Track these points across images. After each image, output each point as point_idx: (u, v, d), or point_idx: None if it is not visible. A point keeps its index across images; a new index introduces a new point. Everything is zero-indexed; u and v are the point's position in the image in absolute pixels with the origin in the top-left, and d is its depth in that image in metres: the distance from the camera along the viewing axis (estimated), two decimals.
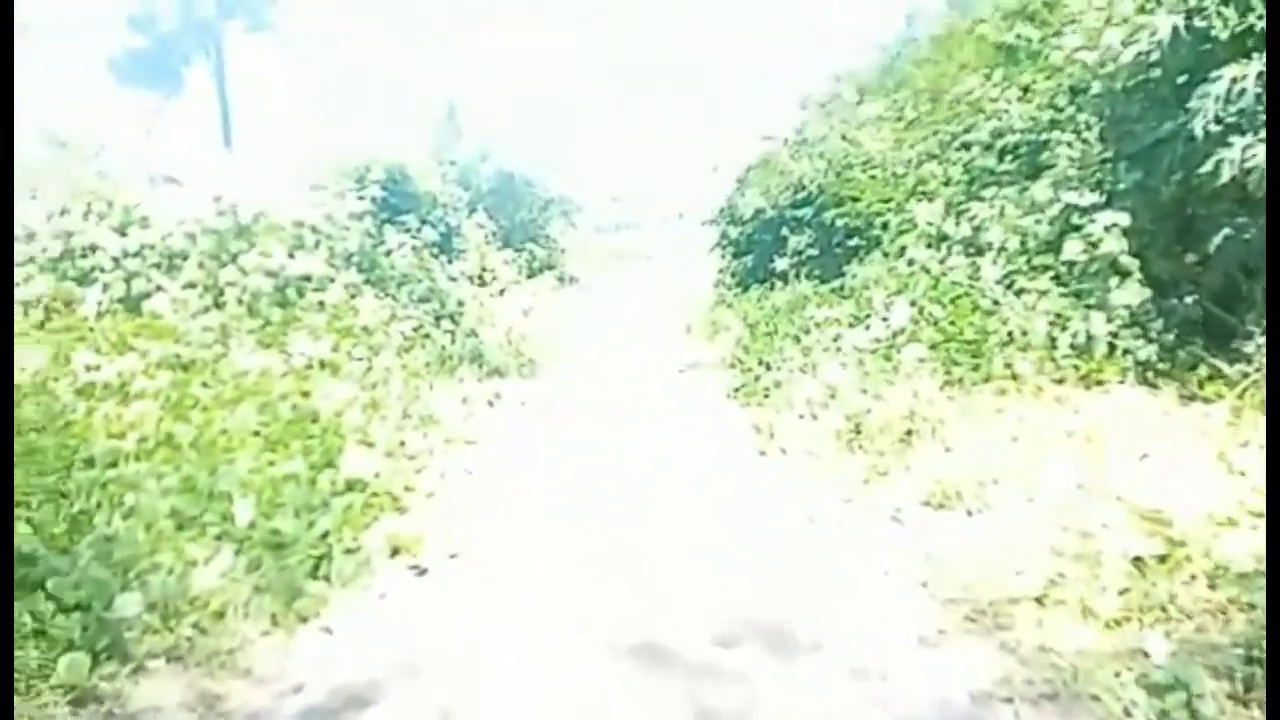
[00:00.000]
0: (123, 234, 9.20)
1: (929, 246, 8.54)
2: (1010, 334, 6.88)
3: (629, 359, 11.45)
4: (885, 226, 10.07)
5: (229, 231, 9.59)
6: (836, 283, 9.90)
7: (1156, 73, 6.95)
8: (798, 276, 11.32)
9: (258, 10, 31.06)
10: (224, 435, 5.82)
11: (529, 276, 18.82)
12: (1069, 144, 8.54)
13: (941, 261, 8.21)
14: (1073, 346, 6.65)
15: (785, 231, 12.01)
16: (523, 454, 6.88)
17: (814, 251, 11.43)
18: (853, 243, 10.58)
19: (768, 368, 8.60)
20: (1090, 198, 7.46)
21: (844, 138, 12.18)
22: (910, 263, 8.51)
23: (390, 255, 12.38)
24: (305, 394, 6.96)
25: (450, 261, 15.30)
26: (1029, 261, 7.63)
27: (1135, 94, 7.61)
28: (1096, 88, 8.31)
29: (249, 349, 7.98)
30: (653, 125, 31.24)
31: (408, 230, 14.03)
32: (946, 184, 9.68)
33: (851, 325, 7.97)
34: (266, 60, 31.01)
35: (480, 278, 16.68)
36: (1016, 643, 3.50)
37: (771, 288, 11.70)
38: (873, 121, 12.46)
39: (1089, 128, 8.46)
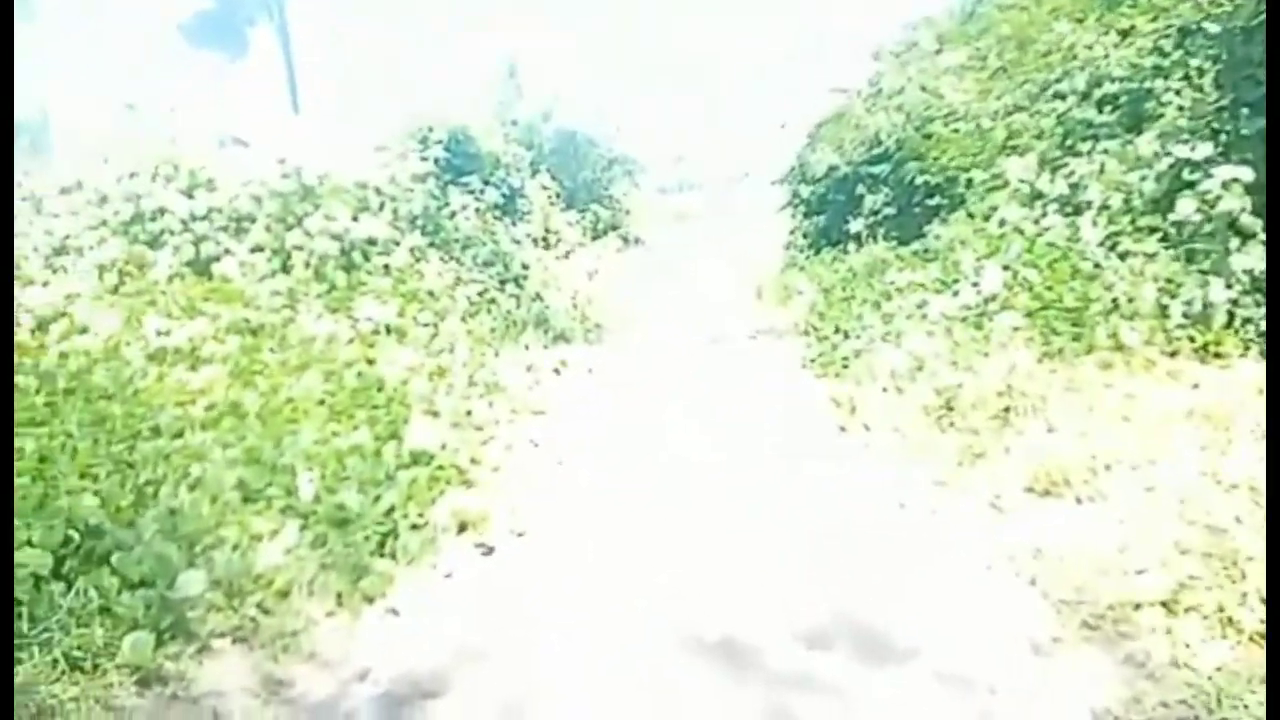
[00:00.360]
0: (190, 197, 9.21)
1: (1022, 205, 7.97)
2: (1115, 301, 6.36)
3: (698, 324, 11.10)
4: (970, 184, 9.50)
5: (294, 194, 9.54)
6: (917, 244, 9.37)
7: None
8: (874, 238, 10.79)
9: None
10: (289, 404, 5.73)
11: (594, 238, 18.50)
12: (1177, 92, 7.90)
13: (1036, 222, 7.67)
14: (1186, 315, 6.13)
15: (861, 190, 11.44)
16: (590, 425, 6.67)
17: (891, 211, 10.88)
18: (933, 201, 10.02)
19: (845, 335, 8.16)
20: (1204, 150, 6.88)
21: (923, 88, 11.50)
22: (1001, 223, 7.96)
23: (454, 218, 12.24)
24: (370, 361, 6.86)
25: (514, 224, 15.10)
26: (1134, 221, 7.09)
27: (1259, 33, 6.94)
28: (1212, 28, 7.63)
29: (315, 313, 7.91)
30: (712, 82, 30.31)
31: (471, 192, 13.87)
32: (1039, 137, 9.06)
33: (938, 291, 7.49)
34: (328, 20, 30.95)
35: (545, 240, 16.45)
36: (1145, 655, 3.11)
37: (845, 250, 11.17)
38: (954, 71, 11.74)
39: (1201, 73, 7.81)
